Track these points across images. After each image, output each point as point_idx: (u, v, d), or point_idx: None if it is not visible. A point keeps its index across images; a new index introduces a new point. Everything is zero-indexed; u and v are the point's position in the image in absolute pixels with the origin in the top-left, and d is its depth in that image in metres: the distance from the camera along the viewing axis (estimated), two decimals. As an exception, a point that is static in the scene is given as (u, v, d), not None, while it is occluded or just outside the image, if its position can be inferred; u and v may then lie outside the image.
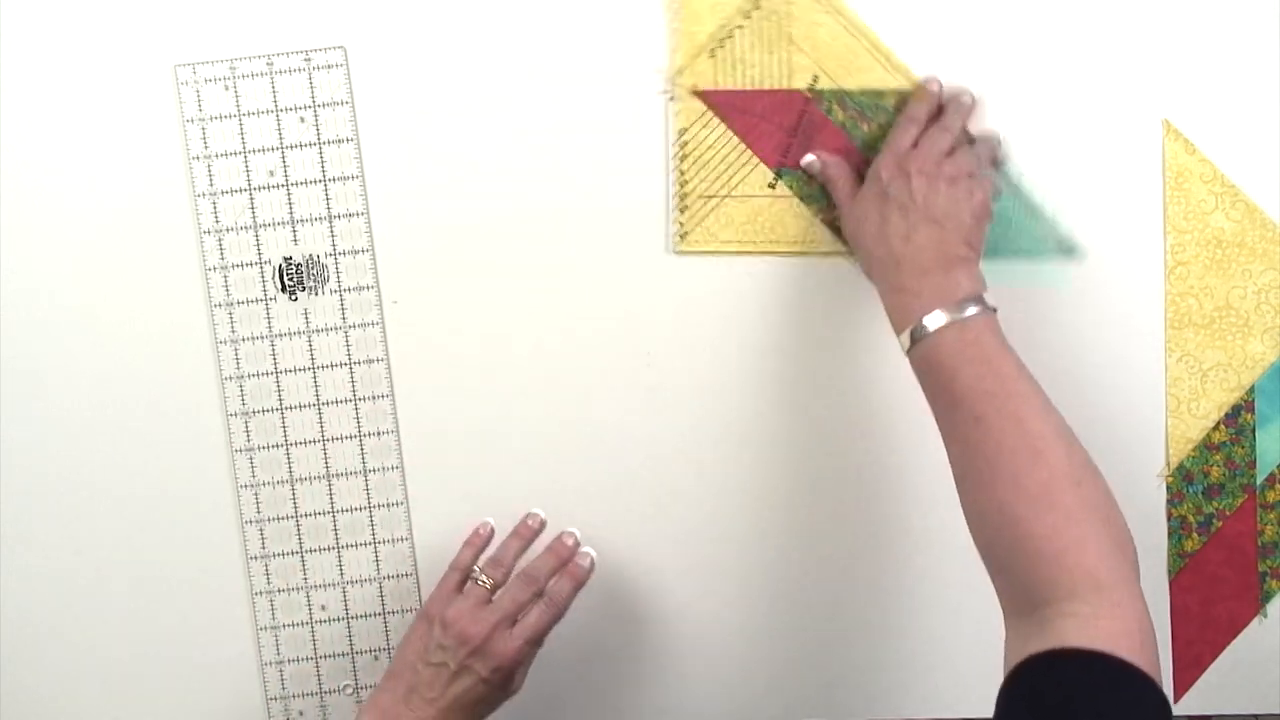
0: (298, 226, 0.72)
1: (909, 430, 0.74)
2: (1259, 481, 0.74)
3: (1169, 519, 0.74)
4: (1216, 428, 0.73)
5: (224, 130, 0.71)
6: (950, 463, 0.61)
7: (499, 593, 0.68)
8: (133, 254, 0.72)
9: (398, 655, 0.68)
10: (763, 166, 0.71)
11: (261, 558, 0.74)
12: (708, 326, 0.73)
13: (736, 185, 0.72)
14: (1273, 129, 0.71)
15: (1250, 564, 0.74)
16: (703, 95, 0.71)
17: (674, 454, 0.74)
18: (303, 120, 0.71)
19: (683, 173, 0.72)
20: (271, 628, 0.75)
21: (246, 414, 0.73)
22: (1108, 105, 0.71)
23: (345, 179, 0.71)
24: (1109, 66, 0.71)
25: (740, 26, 0.71)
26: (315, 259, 0.72)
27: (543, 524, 0.72)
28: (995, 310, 0.62)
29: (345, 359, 0.73)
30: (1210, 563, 0.74)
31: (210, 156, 0.71)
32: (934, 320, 0.61)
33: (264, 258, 0.72)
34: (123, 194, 0.72)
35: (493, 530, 0.72)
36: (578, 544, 0.72)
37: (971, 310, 0.61)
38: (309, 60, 0.71)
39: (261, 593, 0.74)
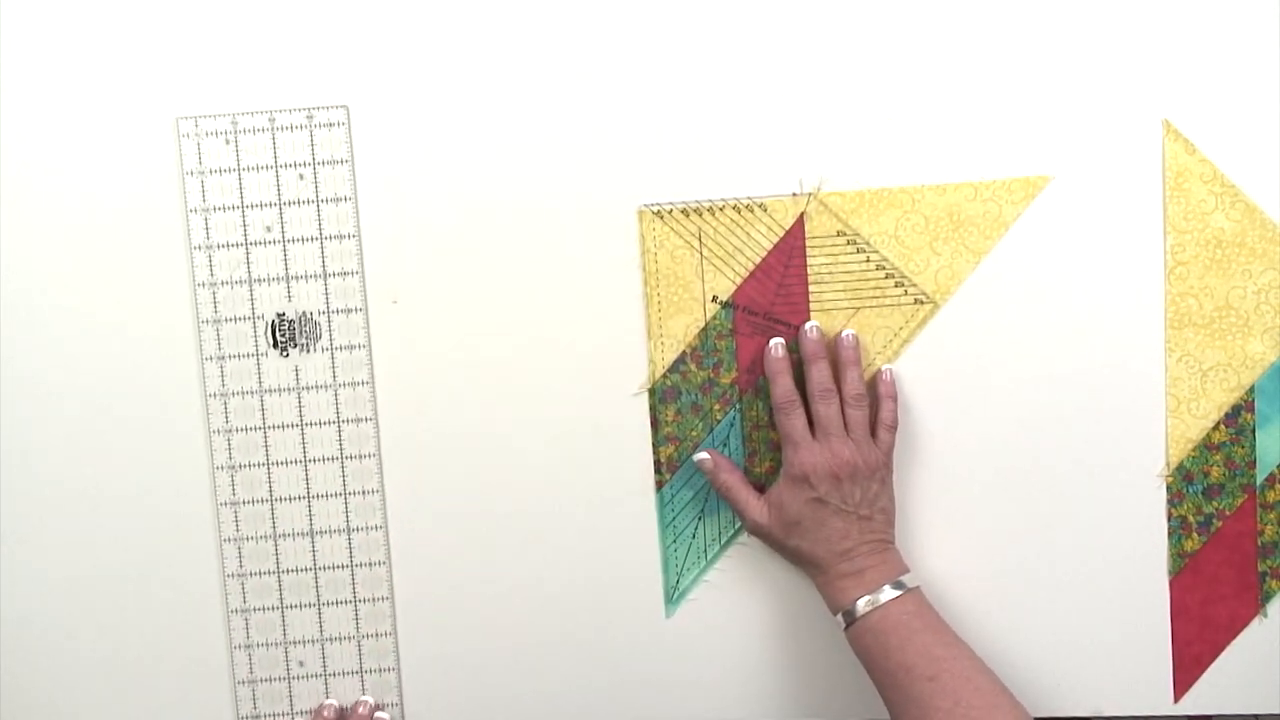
0: (292, 283, 0.72)
1: (912, 432, 0.74)
2: (1259, 481, 0.74)
3: (1169, 519, 0.74)
4: (1216, 428, 0.73)
5: (223, 184, 0.71)
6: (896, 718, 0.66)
7: None
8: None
9: None
10: (733, 286, 0.73)
11: (242, 611, 0.75)
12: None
13: (711, 264, 0.73)
14: (1273, 129, 0.71)
15: (1250, 564, 0.74)
16: (803, 221, 0.72)
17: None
18: (302, 177, 0.71)
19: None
20: (245, 646, 0.75)
21: (233, 468, 0.73)
22: (1108, 105, 0.71)
23: (342, 237, 0.72)
24: (1109, 66, 0.71)
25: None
26: (309, 316, 0.72)
27: (340, 712, 0.75)
28: (918, 586, 0.69)
29: (334, 417, 0.73)
30: (1210, 563, 0.74)
31: (208, 209, 0.71)
32: (879, 597, 0.67)
33: (257, 313, 0.72)
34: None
35: (339, 711, 0.74)
36: (373, 711, 0.74)
37: (909, 584, 0.68)
38: (311, 118, 0.71)
39: (240, 646, 0.75)
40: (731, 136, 0.72)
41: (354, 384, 0.72)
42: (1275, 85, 0.71)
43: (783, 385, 0.71)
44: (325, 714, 0.74)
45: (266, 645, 0.75)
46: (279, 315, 0.72)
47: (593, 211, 0.72)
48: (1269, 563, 0.74)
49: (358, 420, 0.73)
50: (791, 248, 0.73)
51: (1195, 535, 0.74)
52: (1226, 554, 0.74)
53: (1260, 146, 0.71)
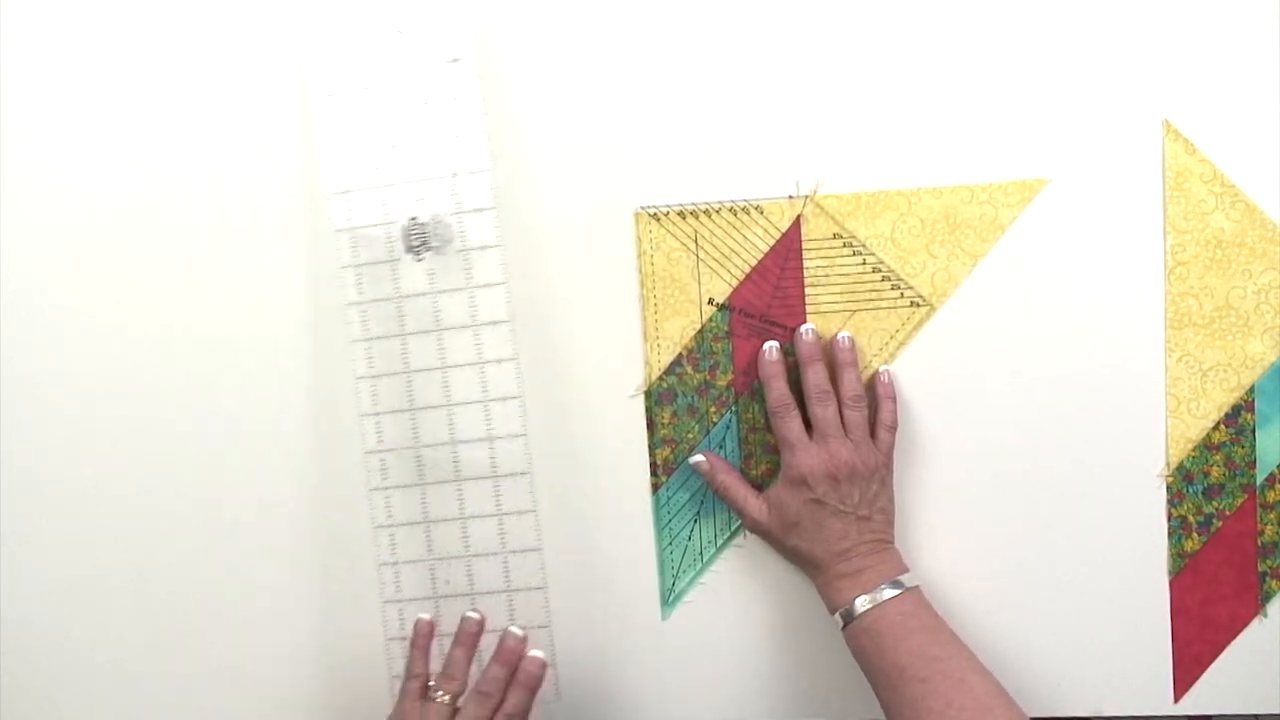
0: (424, 184, 0.71)
1: (912, 432, 0.74)
2: (1259, 481, 0.74)
3: (1169, 519, 0.74)
4: (1216, 428, 0.73)
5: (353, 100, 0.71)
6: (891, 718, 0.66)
7: (459, 713, 0.68)
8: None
9: None
10: (729, 288, 0.73)
11: (388, 526, 0.73)
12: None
13: (707, 266, 0.73)
14: (1273, 129, 0.71)
15: (1250, 564, 0.74)
16: (799, 224, 0.73)
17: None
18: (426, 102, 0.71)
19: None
20: (392, 563, 0.74)
21: (374, 377, 0.72)
22: (1108, 105, 0.71)
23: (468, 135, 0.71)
24: (1109, 66, 0.71)
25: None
26: (439, 219, 0.71)
27: (481, 624, 0.71)
28: (917, 585, 0.69)
29: (470, 320, 0.72)
30: (1210, 563, 0.74)
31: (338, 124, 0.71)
32: (878, 596, 0.67)
33: (389, 218, 0.71)
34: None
35: (431, 625, 0.72)
36: (524, 643, 0.71)
37: (907, 583, 0.68)
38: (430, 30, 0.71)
39: (388, 563, 0.74)
40: (728, 139, 0.72)
41: (489, 285, 0.71)
42: (1275, 85, 0.71)
43: (778, 389, 0.71)
44: (422, 629, 0.72)
45: (413, 562, 0.74)
46: (411, 219, 0.71)
47: (589, 213, 0.72)
48: (1269, 563, 0.74)
49: (494, 323, 0.72)
50: (788, 250, 0.72)
51: (1195, 535, 0.74)
52: (1226, 554, 0.74)
53: (1260, 146, 0.71)
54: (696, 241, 0.72)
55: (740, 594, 0.75)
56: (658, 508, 0.74)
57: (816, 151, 0.72)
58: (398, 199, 0.71)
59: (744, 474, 0.74)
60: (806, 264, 0.73)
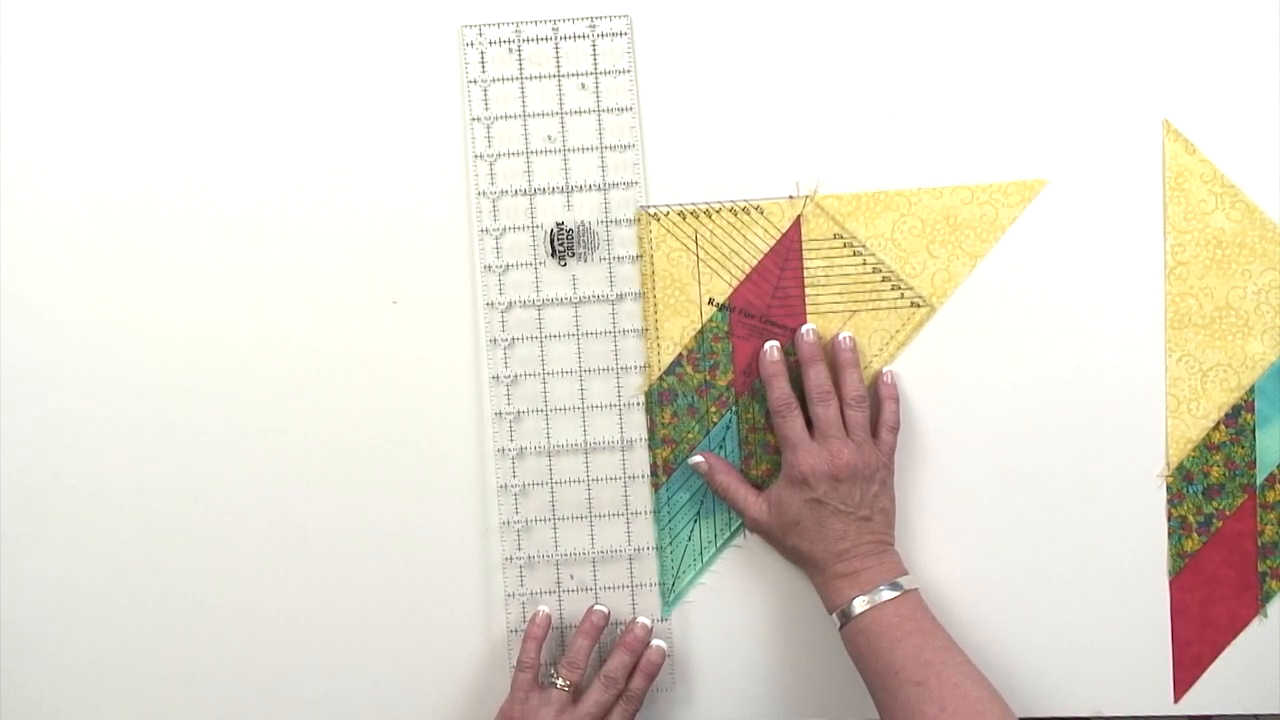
0: (572, 193, 0.72)
1: (913, 433, 0.74)
2: (1259, 481, 0.74)
3: (1169, 519, 0.74)
4: (1216, 428, 0.73)
5: (505, 93, 0.72)
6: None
7: (582, 697, 0.71)
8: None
9: None
10: (729, 288, 0.73)
11: (514, 524, 0.75)
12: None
13: (708, 266, 0.73)
14: (1273, 129, 0.71)
15: (1250, 564, 0.74)
16: (800, 224, 0.73)
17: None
18: (584, 87, 0.72)
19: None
20: (516, 559, 0.74)
21: (510, 379, 0.73)
22: (1108, 105, 0.71)
23: (622, 148, 0.72)
24: (1109, 66, 0.71)
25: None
26: (587, 225, 0.72)
27: (607, 618, 0.74)
28: (916, 589, 0.69)
29: (610, 328, 0.73)
30: (1210, 563, 0.74)
31: (490, 119, 0.72)
32: (876, 597, 0.67)
33: (536, 222, 0.72)
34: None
35: (549, 618, 0.74)
36: (650, 632, 0.74)
37: (905, 585, 0.68)
38: (593, 27, 0.72)
39: (510, 559, 0.75)
40: (729, 139, 0.72)
41: (630, 295, 0.73)
42: (1275, 85, 0.71)
43: (779, 388, 0.71)
44: (539, 621, 0.73)
45: (535, 559, 0.75)
46: (558, 224, 0.72)
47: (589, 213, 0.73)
48: (1269, 563, 0.74)
49: (632, 331, 0.73)
50: (788, 250, 0.72)
51: (1195, 535, 0.74)
52: (1226, 554, 0.74)
53: (1260, 146, 0.71)
54: (697, 241, 0.72)
55: (741, 594, 0.75)
56: (658, 508, 0.74)
57: (817, 152, 0.72)
58: (546, 204, 0.72)
59: (744, 474, 0.74)
60: (807, 264, 0.73)
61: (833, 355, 0.72)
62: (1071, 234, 0.72)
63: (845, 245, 0.72)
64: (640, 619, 0.74)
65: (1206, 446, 0.73)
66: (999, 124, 0.72)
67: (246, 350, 0.73)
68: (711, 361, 0.73)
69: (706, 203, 0.72)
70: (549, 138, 0.72)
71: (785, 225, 0.72)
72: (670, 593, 0.75)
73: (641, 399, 0.73)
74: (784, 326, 0.73)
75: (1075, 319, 0.73)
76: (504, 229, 0.72)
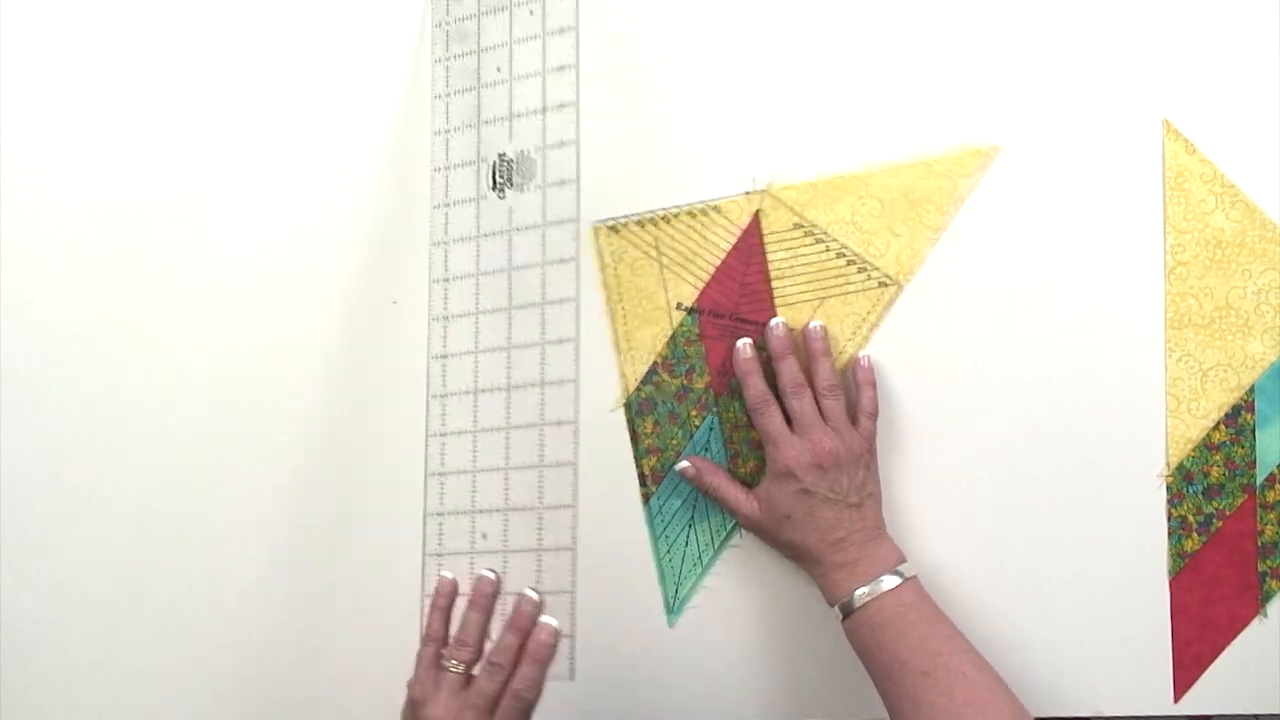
0: (515, 121, 0.70)
1: (912, 433, 0.74)
2: (1259, 481, 0.74)
3: (1169, 519, 0.74)
4: (1216, 428, 0.73)
5: (463, 30, 0.70)
6: (892, 716, 0.65)
7: (472, 683, 0.65)
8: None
9: (407, 714, 0.67)
10: (696, 291, 0.73)
11: (439, 475, 0.72)
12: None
13: (672, 272, 0.73)
14: (1273, 129, 0.71)
15: (1250, 564, 0.74)
16: (758, 218, 0.72)
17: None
18: (531, 13, 0.70)
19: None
20: (438, 474, 0.73)
21: (446, 318, 0.72)
22: (1108, 105, 0.71)
23: (561, 69, 0.70)
24: (1109, 66, 0.71)
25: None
26: (525, 154, 0.70)
27: (497, 584, 0.68)
28: (915, 575, 0.68)
29: (540, 259, 0.71)
30: (1210, 563, 0.74)
31: (450, 58, 0.71)
32: (878, 587, 0.66)
33: (481, 155, 0.70)
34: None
35: (454, 584, 0.69)
36: (539, 607, 0.67)
37: (906, 573, 0.67)
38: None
39: (435, 473, 0.72)
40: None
41: (561, 222, 0.71)
42: (1275, 85, 0.71)
43: (755, 385, 0.71)
44: (443, 589, 0.68)
45: (458, 514, 0.72)
46: (500, 155, 0.70)
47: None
48: (1269, 563, 0.74)
49: (562, 261, 0.71)
50: (749, 246, 0.72)
51: (1195, 535, 0.74)
52: (1226, 554, 0.74)
53: (1260, 146, 0.71)
54: (658, 249, 0.72)
55: (743, 595, 0.75)
56: (651, 517, 0.74)
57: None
58: (492, 136, 0.70)
59: (732, 473, 0.74)
60: (770, 257, 0.72)
61: (804, 346, 0.72)
62: (1071, 234, 0.72)
63: (806, 234, 0.72)
64: (527, 591, 0.67)
65: (1206, 446, 0.73)
66: (1002, 121, 0.72)
67: (246, 349, 0.73)
68: (687, 366, 0.73)
69: (664, 209, 0.72)
70: (498, 69, 0.70)
71: (745, 221, 0.72)
72: (674, 600, 0.75)
73: (572, 347, 0.72)
74: (754, 322, 0.73)
75: (1074, 319, 0.73)
76: (453, 165, 0.70)
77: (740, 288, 0.72)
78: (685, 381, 0.73)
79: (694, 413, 0.73)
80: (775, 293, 0.73)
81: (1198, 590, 0.74)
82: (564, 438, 0.71)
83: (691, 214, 0.72)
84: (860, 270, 0.72)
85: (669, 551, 0.75)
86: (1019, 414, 0.73)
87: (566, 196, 0.71)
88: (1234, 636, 0.75)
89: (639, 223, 0.72)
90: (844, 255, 0.72)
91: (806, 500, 0.69)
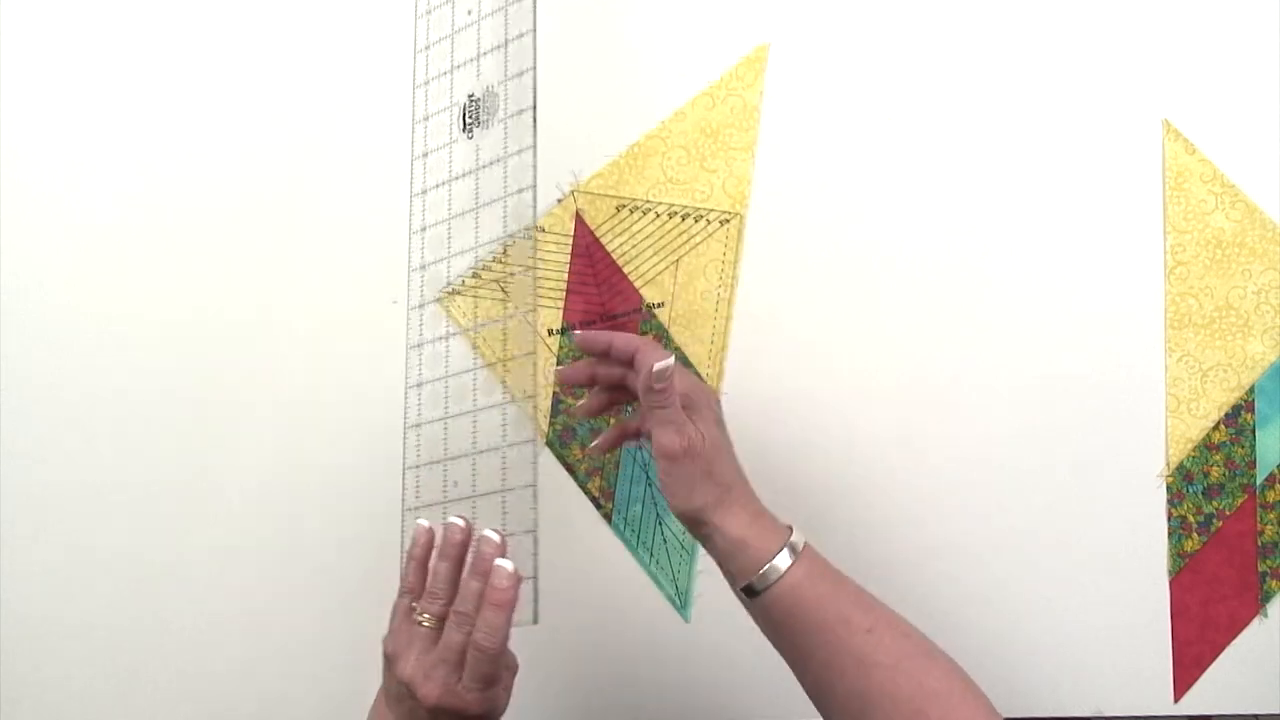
0: (482, 60, 0.69)
1: (913, 433, 0.74)
2: (1259, 481, 0.74)
3: (1169, 519, 0.74)
4: (1216, 428, 0.73)
5: None
6: (829, 687, 0.58)
7: (442, 636, 0.60)
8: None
9: (384, 671, 0.63)
10: (559, 311, 0.73)
11: (416, 427, 0.71)
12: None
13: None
14: (1273, 129, 0.71)
15: (1250, 564, 0.74)
16: (581, 218, 0.72)
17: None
18: None
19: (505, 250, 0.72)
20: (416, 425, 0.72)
21: (423, 267, 0.71)
22: (1108, 105, 0.71)
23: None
24: (1109, 66, 0.71)
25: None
26: (490, 90, 0.69)
27: (466, 531, 0.62)
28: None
29: (502, 193, 0.68)
30: (1210, 563, 0.74)
31: (430, 9, 0.70)
32: (790, 553, 0.59)
33: (455, 100, 0.69)
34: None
35: (430, 533, 0.64)
36: (498, 549, 0.61)
37: (801, 538, 0.60)
38: None
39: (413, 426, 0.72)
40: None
41: (520, 151, 0.68)
42: (1275, 85, 0.71)
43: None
44: (420, 540, 0.63)
45: (432, 464, 0.70)
46: (469, 96, 0.69)
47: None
48: (1269, 563, 0.74)
49: (520, 191, 0.68)
50: (586, 247, 0.72)
51: (1195, 535, 0.74)
52: (1226, 554, 0.74)
53: (1260, 146, 0.71)
54: (505, 290, 0.72)
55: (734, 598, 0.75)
56: (620, 533, 0.74)
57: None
58: (463, 79, 0.68)
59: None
60: (610, 247, 0.72)
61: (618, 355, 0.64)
62: (1072, 234, 0.72)
63: (631, 210, 0.72)
64: (486, 532, 0.61)
65: (1206, 446, 0.73)
66: (1002, 121, 0.72)
67: (246, 349, 0.73)
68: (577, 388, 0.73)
69: (491, 250, 0.72)
70: (469, 11, 0.69)
71: (570, 227, 0.72)
72: (679, 597, 0.75)
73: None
74: (628, 312, 0.73)
75: (1075, 319, 0.73)
76: (431, 114, 0.69)
77: (598, 287, 0.72)
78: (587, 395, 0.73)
79: (611, 420, 0.73)
80: (631, 276, 0.73)
81: (1198, 590, 0.74)
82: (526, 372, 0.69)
83: (518, 243, 0.72)
84: (697, 219, 0.72)
85: (653, 557, 0.75)
86: (1018, 414, 0.73)
87: (524, 124, 0.68)
88: (1234, 636, 0.74)
89: (475, 274, 0.72)
90: (675, 213, 0.72)
91: (723, 430, 0.62)
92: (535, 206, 0.68)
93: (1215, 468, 0.73)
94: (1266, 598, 0.74)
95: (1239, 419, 0.73)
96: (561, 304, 0.73)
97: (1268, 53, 0.71)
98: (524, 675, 0.74)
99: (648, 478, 0.75)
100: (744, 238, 0.72)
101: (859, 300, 0.73)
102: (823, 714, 0.59)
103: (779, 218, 0.72)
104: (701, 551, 0.75)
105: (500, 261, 0.72)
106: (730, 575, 0.61)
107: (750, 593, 0.60)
